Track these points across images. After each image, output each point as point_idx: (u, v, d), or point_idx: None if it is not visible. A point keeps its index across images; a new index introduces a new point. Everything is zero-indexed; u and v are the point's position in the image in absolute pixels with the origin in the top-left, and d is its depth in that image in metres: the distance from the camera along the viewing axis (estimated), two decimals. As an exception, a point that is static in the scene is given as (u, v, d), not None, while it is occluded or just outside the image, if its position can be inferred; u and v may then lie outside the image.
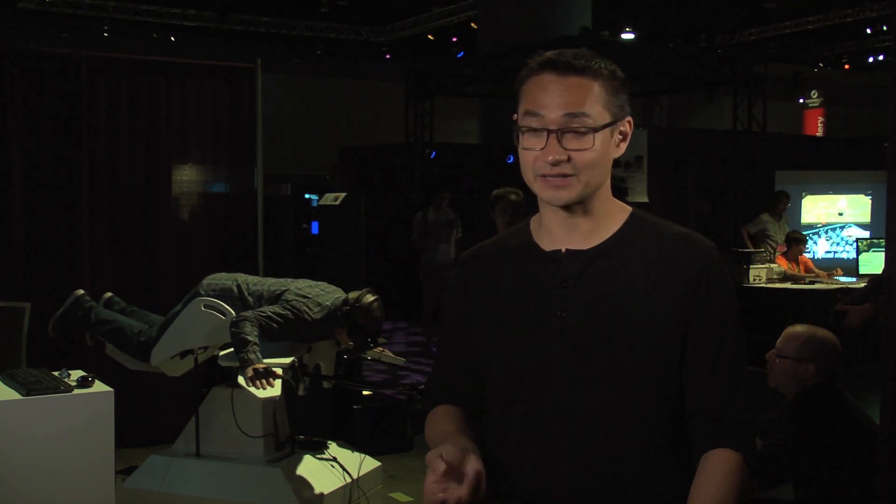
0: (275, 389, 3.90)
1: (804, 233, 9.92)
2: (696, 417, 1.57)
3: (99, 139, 5.66)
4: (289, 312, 3.95)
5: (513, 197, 5.33)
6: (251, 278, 4.27)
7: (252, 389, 3.88)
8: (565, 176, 1.53)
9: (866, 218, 10.89)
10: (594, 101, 1.53)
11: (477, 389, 1.70)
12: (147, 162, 5.81)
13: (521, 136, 1.57)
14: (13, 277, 5.41)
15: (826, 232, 10.95)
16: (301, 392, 4.10)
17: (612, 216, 1.62)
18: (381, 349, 4.42)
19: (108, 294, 4.62)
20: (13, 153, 5.44)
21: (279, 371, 3.87)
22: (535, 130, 1.54)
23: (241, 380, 3.88)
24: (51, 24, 15.40)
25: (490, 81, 12.17)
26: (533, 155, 1.55)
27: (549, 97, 1.53)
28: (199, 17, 16.21)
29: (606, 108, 1.55)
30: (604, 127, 1.54)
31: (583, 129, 1.52)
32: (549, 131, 1.52)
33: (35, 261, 5.49)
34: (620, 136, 1.59)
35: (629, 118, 1.60)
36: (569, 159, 1.52)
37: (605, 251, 1.59)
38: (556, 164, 1.52)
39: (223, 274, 4.33)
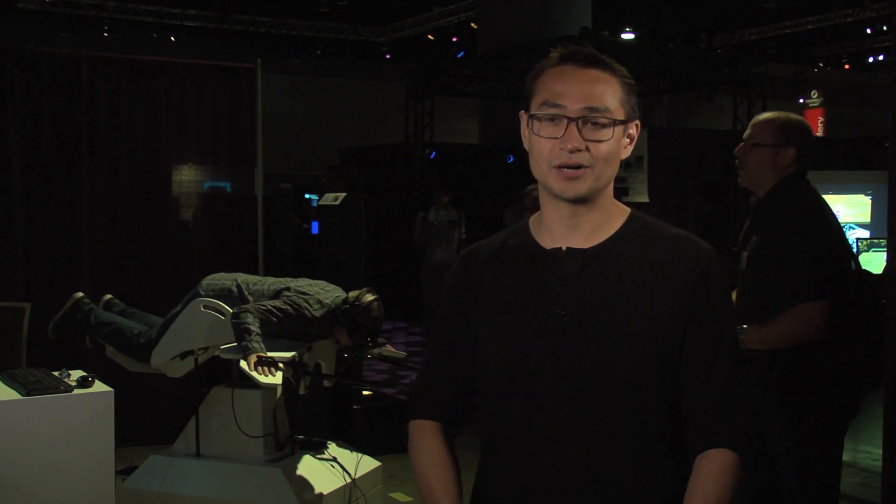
0: (276, 378, 3.90)
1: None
2: (693, 418, 1.58)
3: (99, 139, 5.66)
4: (289, 307, 3.96)
5: (536, 193, 5.36)
6: (251, 278, 4.27)
7: (255, 374, 3.84)
8: (580, 167, 1.54)
9: (866, 218, 10.89)
10: (613, 95, 1.56)
11: (462, 395, 1.72)
12: (147, 162, 5.80)
13: (536, 125, 1.57)
14: (13, 277, 5.41)
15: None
16: (302, 391, 4.09)
17: (613, 217, 1.63)
18: (385, 344, 4.40)
19: (108, 296, 4.62)
20: (13, 153, 5.44)
21: (281, 363, 3.87)
22: (553, 118, 1.55)
23: (242, 364, 3.84)
24: (51, 24, 15.41)
25: (490, 81, 12.18)
26: (549, 143, 1.55)
27: (570, 87, 1.55)
28: (199, 17, 16.23)
29: (622, 106, 1.57)
30: (621, 122, 1.56)
31: (603, 121, 1.54)
32: (570, 119, 1.53)
33: (35, 261, 5.49)
34: (628, 139, 1.61)
35: (637, 122, 1.62)
36: (586, 149, 1.54)
37: (604, 251, 1.59)
38: (574, 151, 1.53)
39: (222, 274, 4.33)
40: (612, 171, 1.59)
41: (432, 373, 1.76)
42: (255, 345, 3.78)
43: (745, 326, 2.82)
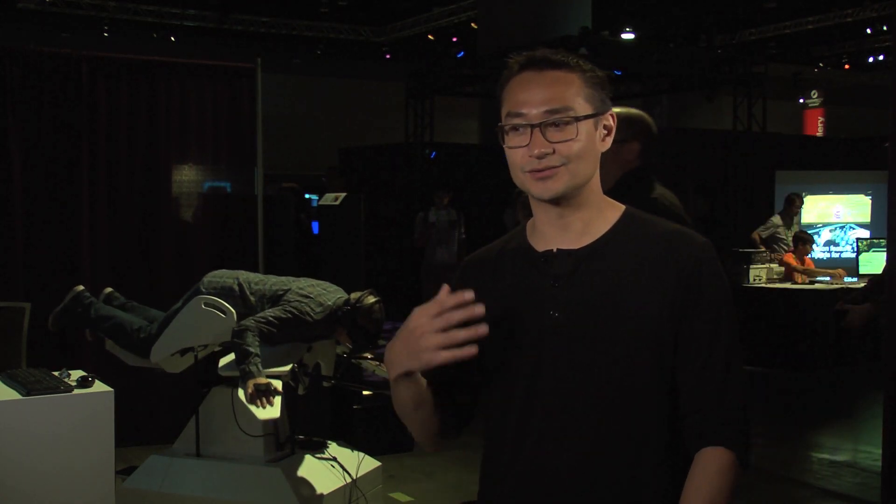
0: (273, 410, 3.91)
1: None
2: (690, 415, 1.57)
3: (99, 139, 5.66)
4: (289, 315, 3.95)
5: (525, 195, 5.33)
6: (253, 276, 4.27)
7: (252, 408, 3.89)
8: (551, 167, 1.54)
9: (866, 218, 10.90)
10: (575, 93, 1.56)
11: (457, 392, 1.69)
12: (147, 162, 5.81)
13: (505, 137, 1.59)
14: (13, 277, 5.41)
15: (832, 230, 10.95)
16: (301, 391, 4.10)
17: (605, 214, 1.63)
18: (378, 364, 4.43)
19: (108, 289, 4.62)
20: (13, 153, 5.44)
21: (279, 386, 3.88)
22: (518, 128, 1.56)
23: (240, 393, 3.89)
24: (51, 24, 15.42)
25: (490, 81, 12.17)
26: (519, 153, 1.56)
27: (529, 94, 1.55)
28: (199, 17, 16.23)
29: (588, 101, 1.57)
30: (586, 117, 1.56)
31: (566, 120, 1.54)
32: (532, 126, 1.54)
33: (35, 261, 5.49)
34: (605, 131, 1.61)
35: (612, 112, 1.62)
36: (554, 152, 1.54)
37: (596, 250, 1.59)
38: (541, 157, 1.54)
39: (224, 271, 4.32)
40: (590, 166, 1.59)
41: (431, 372, 1.76)
42: (254, 368, 3.79)
43: None
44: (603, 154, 2.73)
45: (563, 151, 1.54)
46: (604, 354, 1.53)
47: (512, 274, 1.64)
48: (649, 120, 2.99)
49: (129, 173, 5.76)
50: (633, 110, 2.99)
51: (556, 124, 1.54)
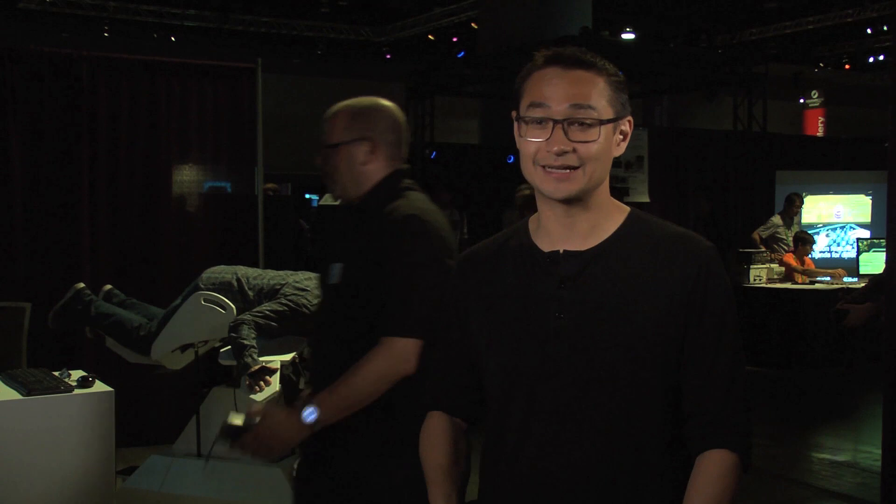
0: (272, 386, 3.94)
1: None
2: (693, 418, 1.57)
3: (99, 139, 5.66)
4: (286, 308, 3.98)
5: (527, 191, 5.28)
6: (251, 271, 4.29)
7: (252, 396, 3.91)
8: (568, 168, 1.53)
9: (866, 218, 10.90)
10: (599, 94, 1.54)
11: (472, 392, 1.71)
12: (147, 162, 5.80)
13: (523, 127, 1.57)
14: (13, 277, 5.41)
15: (828, 233, 10.95)
16: (301, 385, 4.10)
17: (611, 216, 1.62)
18: None
19: (108, 286, 4.63)
20: (13, 153, 5.44)
21: (275, 365, 3.92)
22: (539, 121, 1.54)
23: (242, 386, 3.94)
24: (51, 24, 15.40)
25: (490, 81, 12.17)
26: (535, 146, 1.55)
27: (555, 89, 1.54)
28: (199, 17, 16.23)
29: (610, 104, 1.56)
30: (609, 121, 1.55)
31: (589, 121, 1.53)
32: (555, 122, 1.53)
33: (35, 261, 5.49)
34: (621, 136, 1.60)
35: (630, 118, 1.61)
36: (574, 151, 1.53)
37: (602, 252, 1.58)
38: (561, 154, 1.53)
39: (223, 267, 4.34)
40: (605, 169, 1.58)
41: (441, 370, 1.76)
42: (249, 360, 3.85)
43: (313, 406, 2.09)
44: (337, 161, 2.32)
45: (583, 152, 1.53)
46: (608, 357, 1.53)
47: (514, 273, 1.63)
48: (386, 110, 2.32)
49: (130, 173, 5.76)
50: (364, 101, 2.33)
51: (580, 123, 1.53)
